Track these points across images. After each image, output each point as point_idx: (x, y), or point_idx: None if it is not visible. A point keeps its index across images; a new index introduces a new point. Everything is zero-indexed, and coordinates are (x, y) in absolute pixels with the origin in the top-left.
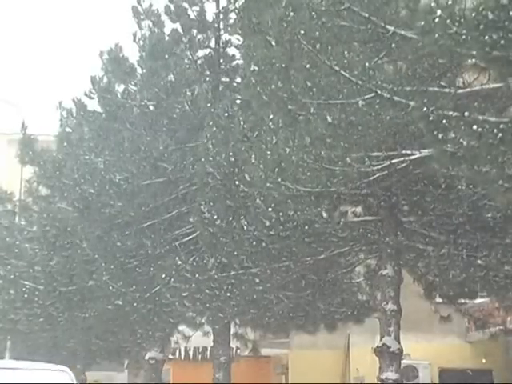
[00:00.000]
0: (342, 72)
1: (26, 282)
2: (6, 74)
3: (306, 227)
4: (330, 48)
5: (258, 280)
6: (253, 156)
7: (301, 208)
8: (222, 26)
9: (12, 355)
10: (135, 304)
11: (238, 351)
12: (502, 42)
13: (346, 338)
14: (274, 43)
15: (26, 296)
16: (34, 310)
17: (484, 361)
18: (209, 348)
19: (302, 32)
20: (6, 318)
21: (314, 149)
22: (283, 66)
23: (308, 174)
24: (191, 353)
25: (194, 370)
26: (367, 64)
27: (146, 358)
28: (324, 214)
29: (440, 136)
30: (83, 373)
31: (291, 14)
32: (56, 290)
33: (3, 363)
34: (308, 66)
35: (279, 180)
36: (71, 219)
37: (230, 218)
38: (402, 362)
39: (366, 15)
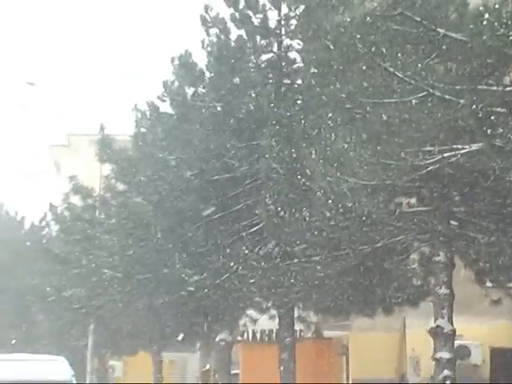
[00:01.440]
0: (395, 73)
1: (106, 271)
2: (85, 81)
3: (364, 218)
4: (384, 50)
5: (319, 267)
6: (313, 152)
7: (359, 200)
8: (283, 32)
9: (95, 338)
10: (206, 290)
11: (302, 333)
12: None
13: (402, 320)
14: (332, 47)
15: (106, 283)
16: (113, 296)
17: None
18: (274, 330)
19: (358, 36)
20: (88, 304)
21: (371, 145)
22: (341, 68)
23: (365, 168)
24: (258, 335)
25: (261, 350)
26: (419, 65)
27: (217, 339)
28: (380, 206)
29: (489, 131)
30: (159, 354)
31: (348, 19)
32: (133, 277)
33: (10, 356)
34: (364, 67)
35: (338, 174)
36: (146, 212)
37: (293, 210)
38: (455, 342)
39: (418, 19)
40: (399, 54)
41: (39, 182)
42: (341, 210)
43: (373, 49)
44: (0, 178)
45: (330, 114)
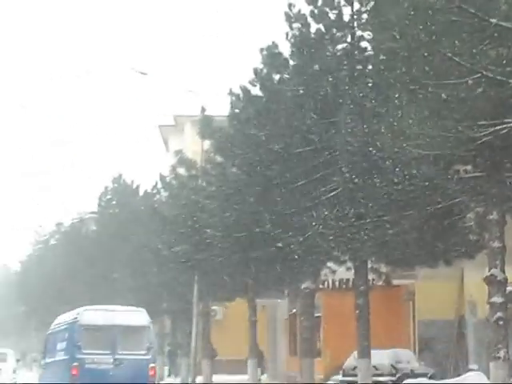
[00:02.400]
0: (453, 58)
1: (207, 230)
2: (187, 69)
3: (427, 183)
4: (443, 39)
5: (388, 225)
6: (382, 127)
7: (422, 168)
8: (356, 25)
9: (199, 286)
10: (292, 246)
11: (374, 282)
12: None
13: (460, 270)
14: (398, 37)
15: (207, 241)
16: (214, 251)
17: None
18: (351, 279)
19: (421, 27)
20: (193, 258)
21: (432, 120)
22: (406, 54)
23: (427, 140)
24: (337, 283)
25: (339, 297)
26: (474, 50)
27: (302, 287)
28: (441, 172)
29: None
30: (253, 300)
31: (412, 12)
32: (230, 235)
33: (107, 307)
34: (426, 54)
35: (404, 146)
36: (241, 181)
37: (366, 177)
38: (507, 288)
39: (473, 11)
40: (456, 42)
41: (151, 156)
42: (406, 177)
43: (433, 37)
44: (118, 153)
45: (397, 95)
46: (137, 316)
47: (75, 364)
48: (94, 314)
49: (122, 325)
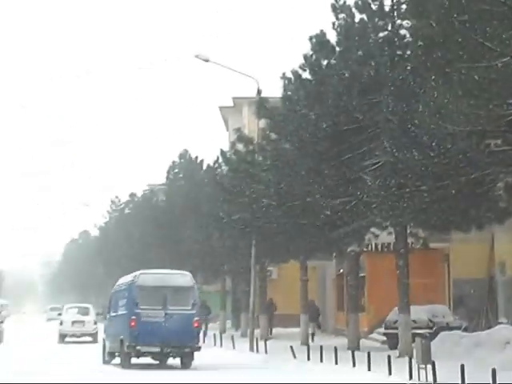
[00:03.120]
0: (485, 43)
1: (263, 200)
2: (244, 55)
3: (460, 156)
4: (476, 26)
5: (426, 194)
6: (420, 106)
7: (456, 142)
8: (396, 14)
9: (256, 250)
10: (339, 213)
11: (413, 245)
12: None
13: (491, 234)
14: (434, 24)
15: (264, 209)
16: (269, 218)
17: None
18: (392, 243)
19: (455, 15)
20: (251, 225)
21: (465, 99)
22: (441, 40)
23: (461, 117)
24: (379, 247)
25: (381, 259)
26: (504, 36)
27: (348, 250)
28: (473, 146)
29: None
30: (305, 262)
31: (447, 2)
32: (284, 204)
33: (160, 271)
34: (460, 39)
35: (440, 122)
36: (293, 155)
37: (405, 151)
38: None
39: (503, 0)
40: (487, 28)
41: (212, 134)
42: (442, 151)
43: (466, 24)
44: (184, 132)
45: (433, 77)
46: (183, 278)
47: (133, 317)
48: (148, 277)
49: (171, 285)
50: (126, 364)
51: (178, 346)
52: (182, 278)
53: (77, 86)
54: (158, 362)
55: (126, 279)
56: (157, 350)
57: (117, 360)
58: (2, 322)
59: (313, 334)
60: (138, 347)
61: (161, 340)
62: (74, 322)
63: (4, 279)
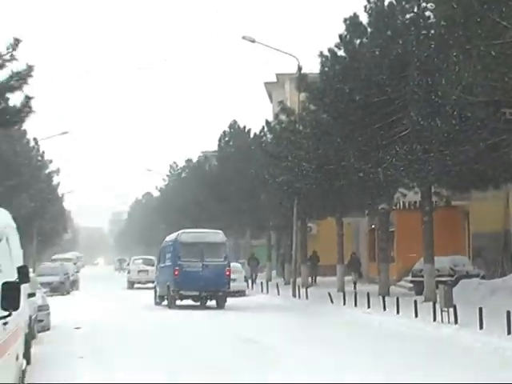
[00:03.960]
0: (501, 22)
1: (304, 164)
2: (286, 36)
3: (479, 123)
4: (493, 7)
5: (448, 158)
6: (443, 80)
7: (475, 111)
8: None
9: (298, 208)
10: (371, 175)
11: (437, 203)
12: None
13: (506, 193)
14: (455, 6)
15: (304, 172)
16: (309, 180)
17: None
18: (418, 201)
19: None
20: (293, 186)
21: (484, 73)
22: (462, 21)
23: (479, 89)
24: (407, 205)
25: (408, 215)
26: None
27: (379, 208)
28: (490, 115)
29: None
30: (341, 218)
31: None
32: (322, 168)
33: (199, 230)
34: (479, 19)
35: (461, 94)
36: (330, 124)
37: (429, 120)
38: None
39: None
40: (503, 9)
41: (257, 107)
42: (463, 119)
43: (484, 6)
44: (234, 104)
45: (455, 53)
46: (217, 236)
47: (177, 268)
48: (188, 235)
49: (207, 242)
50: (172, 305)
51: (213, 290)
52: (215, 235)
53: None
54: (198, 303)
55: (171, 237)
56: (196, 293)
57: (165, 302)
58: (77, 272)
59: (355, 283)
60: (181, 291)
61: (199, 286)
62: (139, 272)
63: (79, 235)
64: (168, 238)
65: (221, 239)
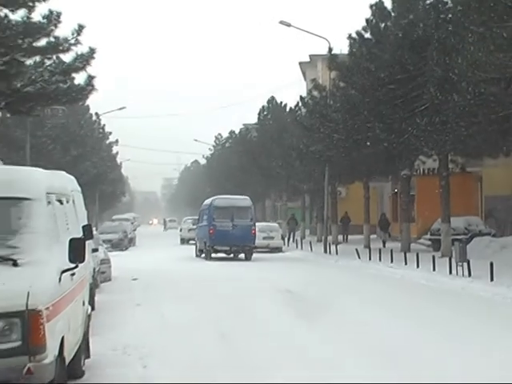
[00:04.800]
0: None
1: (334, 135)
2: (320, 20)
3: (491, 98)
4: None
5: (463, 129)
6: (459, 59)
7: (488, 87)
8: None
9: (329, 174)
10: (394, 145)
11: (453, 169)
12: None
13: None
14: None
15: (334, 142)
16: (339, 150)
17: None
18: (436, 168)
19: None
20: (324, 155)
21: (496, 52)
22: (476, 5)
23: (492, 67)
24: (426, 171)
25: (427, 180)
26: None
27: (401, 174)
28: (502, 90)
29: None
30: (367, 183)
31: None
32: (350, 138)
33: (229, 196)
34: (492, 4)
35: (475, 71)
36: (357, 99)
37: (447, 95)
38: None
39: None
40: None
41: (292, 85)
42: (477, 94)
43: None
44: (273, 82)
45: (470, 35)
46: (244, 201)
47: (211, 227)
48: (221, 200)
49: (236, 206)
50: (208, 257)
51: (241, 245)
52: (243, 201)
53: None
54: (231, 256)
55: (207, 202)
56: (227, 248)
57: (204, 255)
58: (134, 230)
59: (384, 241)
60: (215, 247)
61: (229, 242)
62: (189, 230)
63: (135, 198)
64: (205, 203)
65: (248, 204)
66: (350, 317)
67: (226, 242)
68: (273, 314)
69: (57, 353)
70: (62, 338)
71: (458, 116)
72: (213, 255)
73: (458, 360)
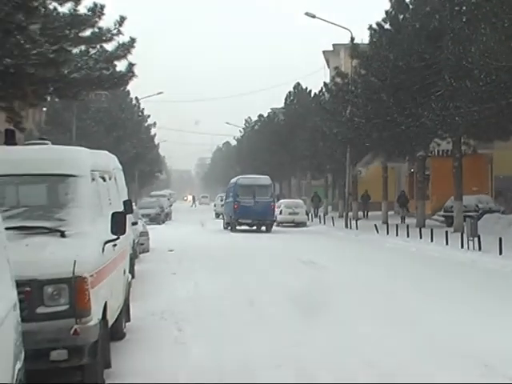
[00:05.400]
0: None
1: (355, 118)
2: (343, 11)
3: (502, 85)
4: None
5: (476, 114)
6: (472, 48)
7: (499, 74)
8: None
9: (350, 155)
10: (410, 128)
11: (465, 151)
12: None
13: None
14: None
15: (355, 125)
16: (359, 132)
17: None
18: (449, 150)
19: None
20: (345, 136)
21: (506, 42)
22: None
23: (503, 56)
24: (440, 152)
25: (441, 161)
26: None
27: (417, 155)
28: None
29: None
30: (385, 163)
31: None
32: (370, 121)
33: (252, 176)
34: None
35: (487, 60)
36: (377, 86)
37: (461, 82)
38: None
39: None
40: None
41: (316, 72)
42: (488, 81)
43: None
44: (298, 69)
45: (483, 26)
46: (265, 180)
47: (236, 203)
48: (244, 179)
49: (258, 184)
50: (233, 229)
51: (262, 219)
52: (264, 179)
53: None
54: (254, 228)
55: (233, 180)
56: (249, 221)
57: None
58: (170, 206)
59: (402, 217)
60: (239, 220)
61: (251, 216)
62: (221, 205)
63: (171, 176)
64: (231, 181)
65: (268, 182)
66: (370, 286)
67: (248, 216)
68: (297, 283)
69: (100, 316)
70: (105, 303)
71: (471, 101)
72: (237, 228)
73: (466, 319)
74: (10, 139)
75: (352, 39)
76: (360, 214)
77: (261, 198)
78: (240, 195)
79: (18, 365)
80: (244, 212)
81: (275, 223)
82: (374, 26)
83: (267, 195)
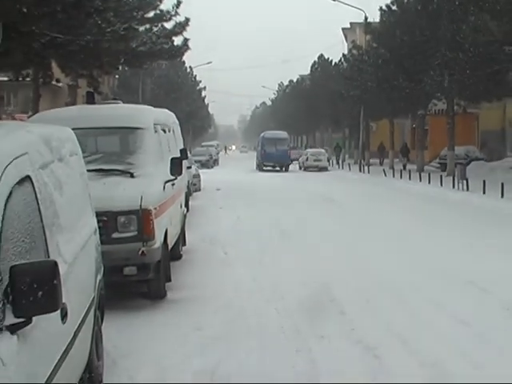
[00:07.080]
0: None
1: (368, 83)
2: None
3: (488, 56)
4: None
5: (466, 79)
6: (464, 25)
7: (485, 47)
8: None
9: (364, 113)
10: (413, 91)
11: (457, 110)
12: None
13: (504, 103)
14: None
15: (368, 88)
16: (371, 94)
17: None
18: (444, 109)
19: None
20: (360, 98)
21: (492, 21)
22: None
23: (489, 32)
24: (437, 111)
25: (438, 119)
26: None
27: (418, 113)
28: (496, 49)
29: None
30: (392, 121)
31: None
32: (380, 85)
33: (274, 131)
34: None
35: (475, 35)
36: (386, 56)
37: (455, 53)
38: None
39: None
40: None
41: (335, 46)
42: (476, 52)
43: None
44: (322, 44)
45: (472, 7)
46: (283, 134)
47: (263, 151)
48: (268, 134)
49: (278, 137)
50: (260, 169)
51: (282, 162)
52: (282, 134)
53: None
54: (278, 168)
55: (261, 135)
56: (272, 164)
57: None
58: (218, 154)
59: (404, 165)
60: (264, 163)
61: (273, 160)
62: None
63: (218, 130)
64: (260, 135)
65: (285, 136)
66: (380, 217)
67: (271, 160)
68: (319, 216)
69: (162, 240)
70: (166, 230)
71: (463, 70)
72: (264, 169)
73: (460, 240)
74: (90, 100)
75: (366, 18)
76: (376, 161)
77: (280, 147)
78: (265, 145)
79: (99, 276)
80: (268, 157)
81: (302, 168)
82: (384, 7)
83: (285, 145)
